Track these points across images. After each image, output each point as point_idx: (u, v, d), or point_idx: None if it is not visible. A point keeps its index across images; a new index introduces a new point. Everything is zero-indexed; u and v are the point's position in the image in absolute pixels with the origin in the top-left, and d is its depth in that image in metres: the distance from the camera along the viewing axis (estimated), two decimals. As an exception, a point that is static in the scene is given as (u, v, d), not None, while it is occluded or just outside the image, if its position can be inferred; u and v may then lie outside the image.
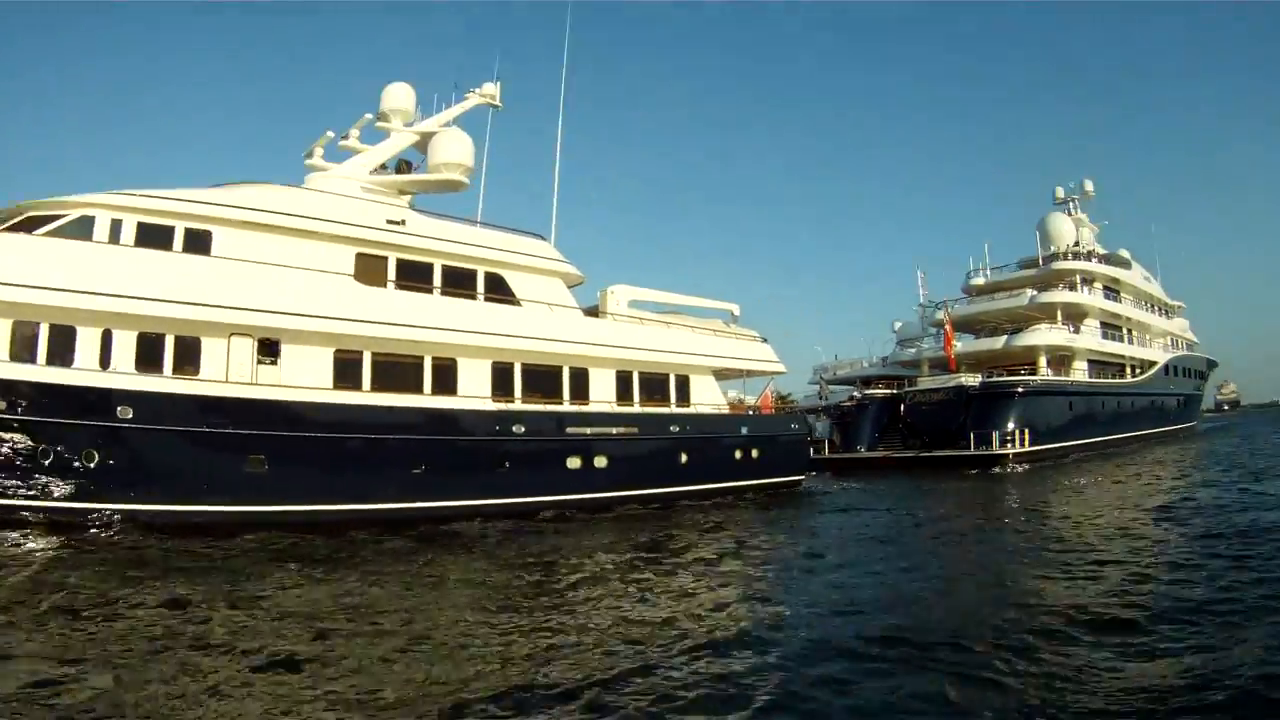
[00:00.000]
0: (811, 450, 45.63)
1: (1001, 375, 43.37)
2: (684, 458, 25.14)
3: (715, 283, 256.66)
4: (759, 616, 10.22)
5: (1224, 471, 28.70)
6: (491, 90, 26.52)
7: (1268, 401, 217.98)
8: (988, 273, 54.67)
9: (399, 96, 24.38)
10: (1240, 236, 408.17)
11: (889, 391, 47.02)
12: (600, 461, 22.93)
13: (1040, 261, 52.84)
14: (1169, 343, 66.87)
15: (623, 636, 9.22)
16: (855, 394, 48.86)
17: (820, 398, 50.91)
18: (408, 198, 23.62)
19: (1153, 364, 59.50)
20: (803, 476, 30.54)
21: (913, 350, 51.69)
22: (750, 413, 29.93)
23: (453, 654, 8.71)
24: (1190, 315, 75.03)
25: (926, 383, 45.77)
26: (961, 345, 48.33)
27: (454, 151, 23.78)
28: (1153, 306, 64.43)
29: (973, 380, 42.64)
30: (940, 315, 49.12)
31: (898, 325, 55.94)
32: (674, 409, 26.04)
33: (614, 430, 23.48)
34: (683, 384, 26.64)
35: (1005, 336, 46.84)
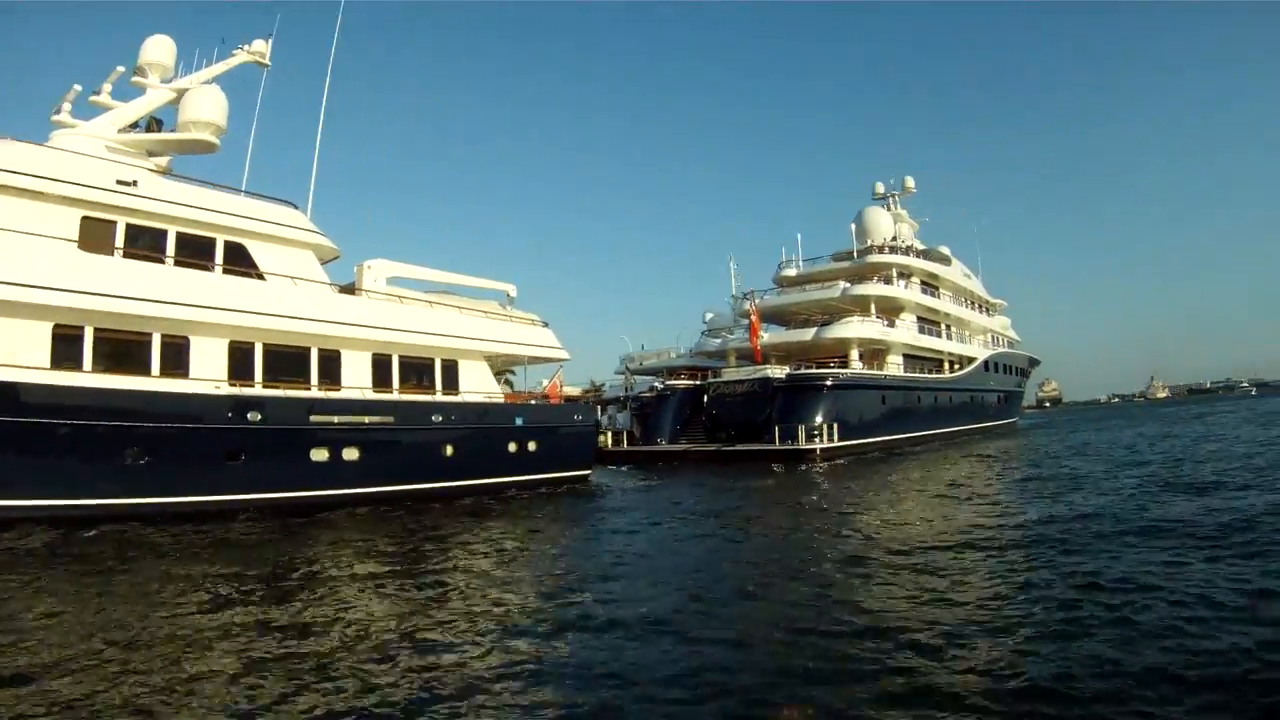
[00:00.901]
0: (611, 442, 47.17)
1: (811, 368, 45.72)
2: (449, 450, 25.63)
3: (515, 270, 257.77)
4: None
5: (1036, 470, 29.83)
6: (261, 48, 26.39)
7: (1088, 399, 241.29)
8: (800, 264, 57.91)
9: (158, 50, 23.98)
10: (1064, 242, 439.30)
11: (692, 382, 49.04)
12: (350, 454, 23.09)
13: (855, 254, 56.32)
14: (990, 339, 72.45)
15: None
16: (656, 384, 50.52)
17: (625, 388, 52.12)
18: (162, 160, 23.13)
19: (972, 360, 64.57)
20: (589, 471, 31.63)
21: (718, 340, 54.16)
22: (534, 402, 30.50)
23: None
24: (1014, 315, 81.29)
25: (731, 374, 47.87)
26: (769, 336, 50.85)
27: (205, 109, 23.50)
28: (973, 303, 69.59)
29: (779, 372, 44.82)
30: (748, 305, 51.28)
31: (709, 316, 58.23)
32: (439, 397, 26.48)
33: (366, 419, 23.62)
34: (450, 370, 27.15)
35: (815, 328, 49.70)
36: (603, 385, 62.42)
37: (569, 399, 54.32)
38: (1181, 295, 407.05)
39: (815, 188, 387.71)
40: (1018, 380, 78.05)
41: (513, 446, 27.77)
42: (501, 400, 28.85)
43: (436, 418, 25.45)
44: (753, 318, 49.60)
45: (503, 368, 31.66)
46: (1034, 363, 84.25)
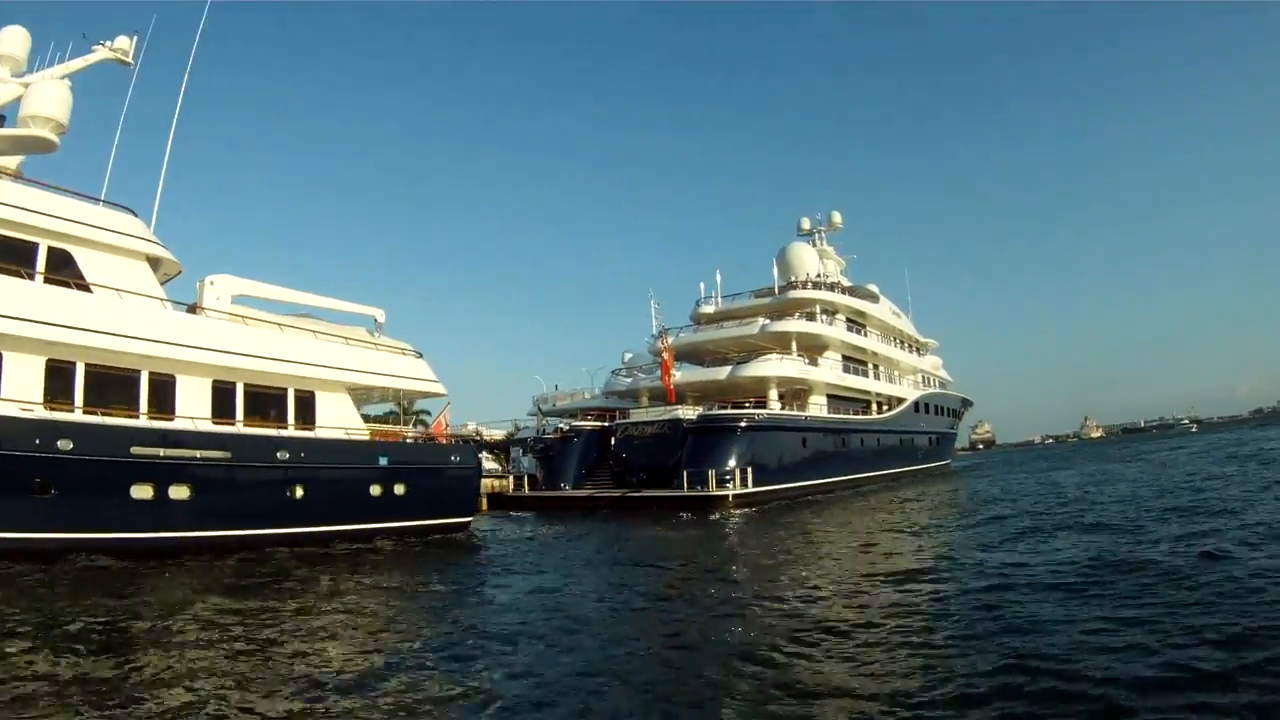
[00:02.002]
0: (513, 486, 45.73)
1: (727, 408, 44.47)
2: (299, 492, 23.70)
3: (421, 304, 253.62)
4: None
5: (970, 524, 25.99)
6: (125, 45, 25.52)
7: (1021, 441, 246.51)
8: (720, 300, 57.05)
9: (10, 41, 23.20)
10: (995, 281, 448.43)
11: (598, 424, 47.57)
12: (179, 492, 21.15)
13: (777, 290, 55.70)
14: (920, 380, 72.63)
15: None
16: (561, 425, 48.99)
17: (537, 430, 50.66)
18: (10, 161, 22.31)
19: (902, 401, 64.44)
20: (469, 519, 29.82)
21: (629, 380, 52.57)
22: (410, 440, 28.84)
23: None
24: (945, 355, 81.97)
25: (640, 415, 46.53)
26: (682, 375, 49.47)
27: (46, 104, 22.54)
28: (903, 343, 69.74)
29: (691, 413, 43.63)
30: (659, 343, 49.98)
31: (628, 355, 56.57)
32: (291, 432, 24.62)
33: (199, 454, 21.66)
34: (305, 402, 25.33)
35: (731, 366, 48.42)
36: (524, 427, 61.09)
37: (492, 443, 52.79)
38: (1112, 333, 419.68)
39: (744, 224, 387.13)
40: (950, 422, 78.31)
41: (376, 489, 25.81)
42: (366, 437, 26.97)
43: (282, 454, 23.44)
44: (665, 355, 48.23)
45: (397, 401, 30.18)
46: (967, 404, 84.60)
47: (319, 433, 25.33)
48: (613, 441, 45.16)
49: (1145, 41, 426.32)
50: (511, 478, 47.63)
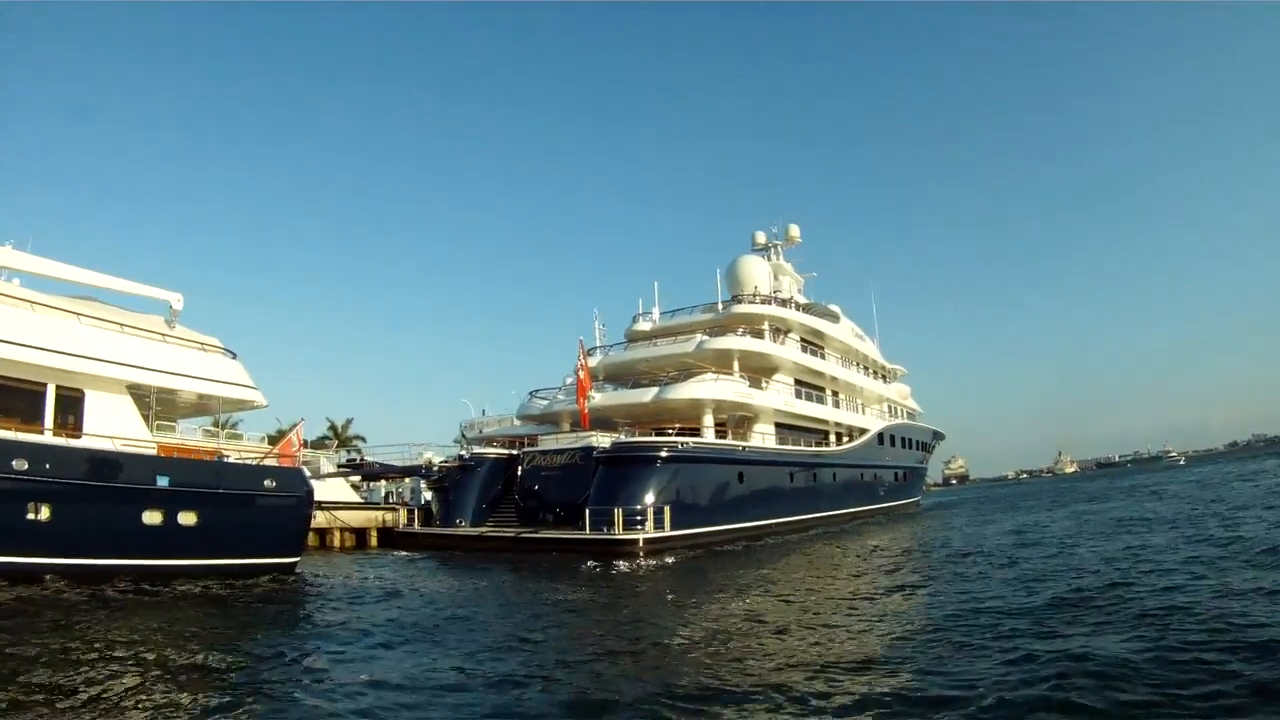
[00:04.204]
0: (404, 521, 41.73)
1: (650, 435, 39.80)
2: (44, 514, 19.30)
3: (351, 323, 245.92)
4: None
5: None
6: None
7: (995, 476, 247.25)
8: (657, 316, 52.10)
9: None
10: (967, 318, 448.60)
11: (504, 451, 43.10)
12: None
13: (721, 306, 50.91)
14: (886, 409, 68.75)
15: None
16: (462, 453, 44.33)
17: (460, 459, 46.22)
18: None
19: (864, 431, 59.91)
20: (293, 559, 25.13)
21: (544, 402, 47.57)
22: (222, 458, 24.36)
23: None
24: (916, 387, 77.91)
25: (549, 442, 41.94)
26: (603, 398, 44.53)
27: None
28: (867, 368, 65.74)
29: (605, 440, 38.86)
30: (579, 360, 44.51)
31: (569, 380, 51.75)
32: (44, 438, 20.30)
33: None
34: (70, 402, 21.12)
35: (658, 387, 43.42)
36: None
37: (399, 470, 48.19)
38: (1084, 365, 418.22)
39: (702, 241, 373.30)
40: (920, 456, 73.96)
41: (154, 517, 21.28)
42: (150, 450, 22.37)
43: (20, 464, 18.94)
44: (580, 374, 43.20)
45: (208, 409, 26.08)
46: (938, 437, 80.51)
47: (86, 441, 20.97)
48: (519, 472, 40.82)
49: (1133, 43, 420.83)
50: (403, 511, 43.24)
